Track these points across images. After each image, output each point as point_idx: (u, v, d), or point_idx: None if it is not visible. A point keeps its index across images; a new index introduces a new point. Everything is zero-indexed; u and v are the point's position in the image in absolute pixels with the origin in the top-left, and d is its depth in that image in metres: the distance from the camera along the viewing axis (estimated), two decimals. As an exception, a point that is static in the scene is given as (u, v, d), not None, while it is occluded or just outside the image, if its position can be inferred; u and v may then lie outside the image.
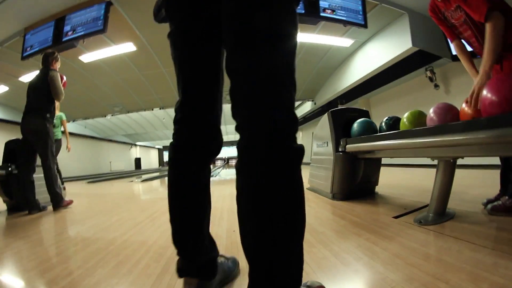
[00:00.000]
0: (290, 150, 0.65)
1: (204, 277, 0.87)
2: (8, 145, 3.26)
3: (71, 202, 3.10)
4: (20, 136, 3.02)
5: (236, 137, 0.67)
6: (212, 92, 0.86)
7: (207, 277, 0.88)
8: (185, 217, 0.87)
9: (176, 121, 0.87)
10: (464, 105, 1.49)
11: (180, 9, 0.80)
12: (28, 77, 6.95)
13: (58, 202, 2.89)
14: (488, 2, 1.44)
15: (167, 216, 0.89)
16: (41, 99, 2.87)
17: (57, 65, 3.14)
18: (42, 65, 3.04)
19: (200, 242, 0.88)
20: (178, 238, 0.87)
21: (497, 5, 1.46)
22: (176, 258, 0.87)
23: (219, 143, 0.90)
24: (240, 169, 0.68)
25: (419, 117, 1.78)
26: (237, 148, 0.68)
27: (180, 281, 0.89)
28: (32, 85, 2.96)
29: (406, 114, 1.85)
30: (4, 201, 3.12)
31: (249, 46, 0.65)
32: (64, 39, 4.52)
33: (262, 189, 0.63)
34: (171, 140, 0.88)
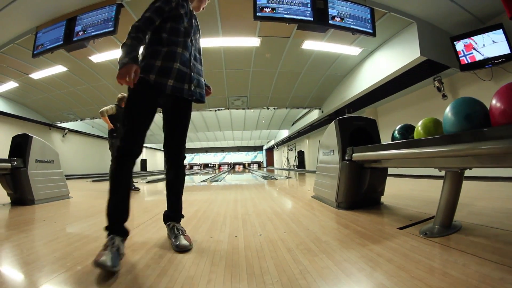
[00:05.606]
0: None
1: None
2: (15, 139, 3.31)
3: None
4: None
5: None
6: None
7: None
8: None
9: None
10: None
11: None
12: (38, 74, 7.07)
13: None
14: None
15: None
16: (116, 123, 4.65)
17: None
18: (117, 103, 4.98)
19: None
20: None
21: None
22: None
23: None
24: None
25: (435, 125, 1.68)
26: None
27: (179, 284, 1.01)
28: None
29: (420, 122, 1.76)
30: (8, 194, 3.14)
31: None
32: (75, 38, 4.60)
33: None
34: None
